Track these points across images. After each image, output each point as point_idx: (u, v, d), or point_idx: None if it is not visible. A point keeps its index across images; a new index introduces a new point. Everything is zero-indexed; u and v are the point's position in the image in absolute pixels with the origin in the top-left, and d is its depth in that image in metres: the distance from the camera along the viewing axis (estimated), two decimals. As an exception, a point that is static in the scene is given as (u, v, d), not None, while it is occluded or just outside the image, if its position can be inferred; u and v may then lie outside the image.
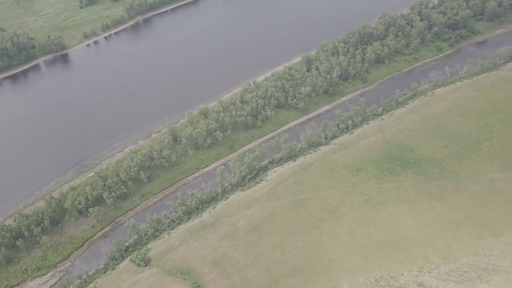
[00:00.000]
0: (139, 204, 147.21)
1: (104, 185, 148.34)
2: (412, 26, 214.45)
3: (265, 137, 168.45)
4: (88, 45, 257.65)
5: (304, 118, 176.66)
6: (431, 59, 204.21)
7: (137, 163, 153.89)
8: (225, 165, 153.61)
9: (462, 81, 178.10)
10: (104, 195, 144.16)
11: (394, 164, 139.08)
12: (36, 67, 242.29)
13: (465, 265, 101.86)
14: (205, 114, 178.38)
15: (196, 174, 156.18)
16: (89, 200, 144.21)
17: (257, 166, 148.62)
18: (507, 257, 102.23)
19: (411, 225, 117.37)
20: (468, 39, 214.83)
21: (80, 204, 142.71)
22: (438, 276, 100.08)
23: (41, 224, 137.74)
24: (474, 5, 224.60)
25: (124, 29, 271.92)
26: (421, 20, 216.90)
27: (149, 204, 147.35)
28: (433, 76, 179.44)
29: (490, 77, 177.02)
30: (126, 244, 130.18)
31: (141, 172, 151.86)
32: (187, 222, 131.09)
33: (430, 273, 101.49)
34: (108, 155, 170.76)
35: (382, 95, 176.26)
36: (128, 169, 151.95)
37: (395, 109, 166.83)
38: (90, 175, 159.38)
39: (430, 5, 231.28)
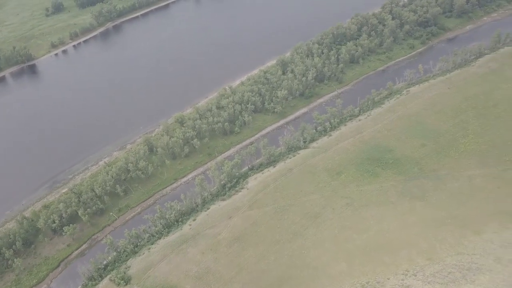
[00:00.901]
0: (116, 219, 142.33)
1: (79, 201, 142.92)
2: (384, 25, 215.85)
3: (244, 143, 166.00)
4: (56, 54, 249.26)
5: (282, 121, 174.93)
6: (404, 57, 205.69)
7: (112, 177, 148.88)
8: (204, 174, 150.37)
9: (435, 78, 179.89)
10: (79, 212, 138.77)
11: (374, 166, 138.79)
12: (1, 79, 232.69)
13: (450, 265, 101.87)
14: (181, 122, 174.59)
15: (175, 185, 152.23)
16: (64, 218, 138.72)
17: (237, 174, 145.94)
18: (490, 255, 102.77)
19: (394, 227, 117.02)
20: (439, 36, 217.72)
21: (54, 222, 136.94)
22: (424, 278, 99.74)
23: (13, 246, 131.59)
24: (443, 2, 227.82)
25: (94, 36, 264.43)
26: (393, 18, 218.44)
27: (127, 218, 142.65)
28: (407, 75, 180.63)
29: (462, 73, 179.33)
30: (105, 262, 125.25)
31: (117, 185, 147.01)
32: (167, 236, 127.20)
33: (416, 275, 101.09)
34: (82, 169, 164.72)
35: (358, 95, 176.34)
36: (103, 183, 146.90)
37: (371, 109, 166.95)
38: (64, 191, 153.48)
39: (401, 4, 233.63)
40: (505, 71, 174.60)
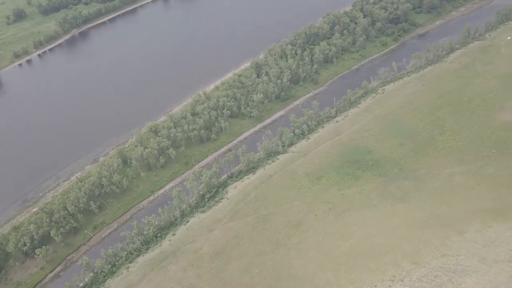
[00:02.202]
0: (92, 237, 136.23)
1: (51, 221, 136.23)
2: (356, 23, 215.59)
3: (221, 150, 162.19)
4: (20, 65, 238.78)
5: (259, 126, 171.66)
6: (378, 54, 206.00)
7: (85, 193, 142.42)
8: (181, 185, 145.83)
9: (409, 75, 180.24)
10: (52, 232, 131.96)
11: (354, 168, 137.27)
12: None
13: (435, 268, 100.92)
14: (155, 131, 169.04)
15: (151, 198, 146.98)
16: (35, 239, 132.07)
17: (216, 183, 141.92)
18: (474, 255, 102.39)
19: (377, 231, 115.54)
20: (410, 32, 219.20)
21: (25, 245, 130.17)
22: (411, 284, 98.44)
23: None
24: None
25: (59, 44, 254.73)
26: (364, 16, 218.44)
27: (103, 236, 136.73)
28: (381, 73, 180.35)
29: (435, 69, 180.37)
30: (81, 284, 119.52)
31: (91, 202, 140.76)
32: (146, 253, 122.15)
33: (403, 281, 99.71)
34: (53, 185, 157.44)
35: (334, 96, 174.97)
36: (76, 200, 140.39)
37: (348, 110, 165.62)
38: (34, 210, 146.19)
39: (371, 1, 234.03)
40: (476, 66, 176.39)
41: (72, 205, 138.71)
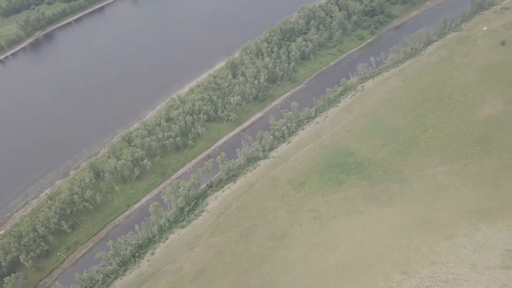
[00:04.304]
0: (65, 259, 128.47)
1: (20, 245, 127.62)
2: (332, 17, 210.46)
3: (200, 157, 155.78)
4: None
5: (238, 129, 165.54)
6: (355, 49, 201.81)
7: (56, 212, 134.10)
8: (158, 197, 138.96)
9: (388, 70, 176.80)
10: (21, 257, 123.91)
11: (337, 172, 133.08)
12: None
13: (426, 278, 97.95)
14: (128, 140, 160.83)
15: (127, 212, 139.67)
16: (3, 266, 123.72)
17: (195, 194, 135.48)
18: (464, 262, 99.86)
19: (365, 239, 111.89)
20: (386, 24, 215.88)
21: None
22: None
23: None
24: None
25: (23, 48, 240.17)
26: (340, 10, 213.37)
27: (77, 257, 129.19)
28: (360, 69, 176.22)
29: (414, 63, 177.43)
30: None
31: (63, 222, 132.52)
32: (123, 275, 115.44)
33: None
34: (21, 203, 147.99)
35: (313, 94, 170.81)
36: (46, 221, 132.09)
37: (328, 109, 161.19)
38: (1, 233, 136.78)
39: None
40: (454, 59, 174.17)
41: (42, 226, 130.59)
